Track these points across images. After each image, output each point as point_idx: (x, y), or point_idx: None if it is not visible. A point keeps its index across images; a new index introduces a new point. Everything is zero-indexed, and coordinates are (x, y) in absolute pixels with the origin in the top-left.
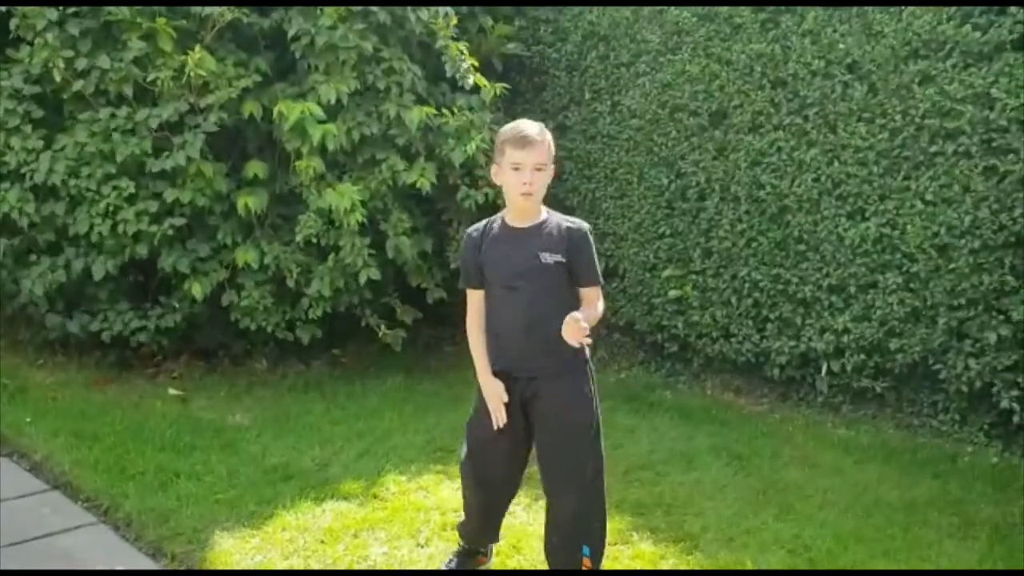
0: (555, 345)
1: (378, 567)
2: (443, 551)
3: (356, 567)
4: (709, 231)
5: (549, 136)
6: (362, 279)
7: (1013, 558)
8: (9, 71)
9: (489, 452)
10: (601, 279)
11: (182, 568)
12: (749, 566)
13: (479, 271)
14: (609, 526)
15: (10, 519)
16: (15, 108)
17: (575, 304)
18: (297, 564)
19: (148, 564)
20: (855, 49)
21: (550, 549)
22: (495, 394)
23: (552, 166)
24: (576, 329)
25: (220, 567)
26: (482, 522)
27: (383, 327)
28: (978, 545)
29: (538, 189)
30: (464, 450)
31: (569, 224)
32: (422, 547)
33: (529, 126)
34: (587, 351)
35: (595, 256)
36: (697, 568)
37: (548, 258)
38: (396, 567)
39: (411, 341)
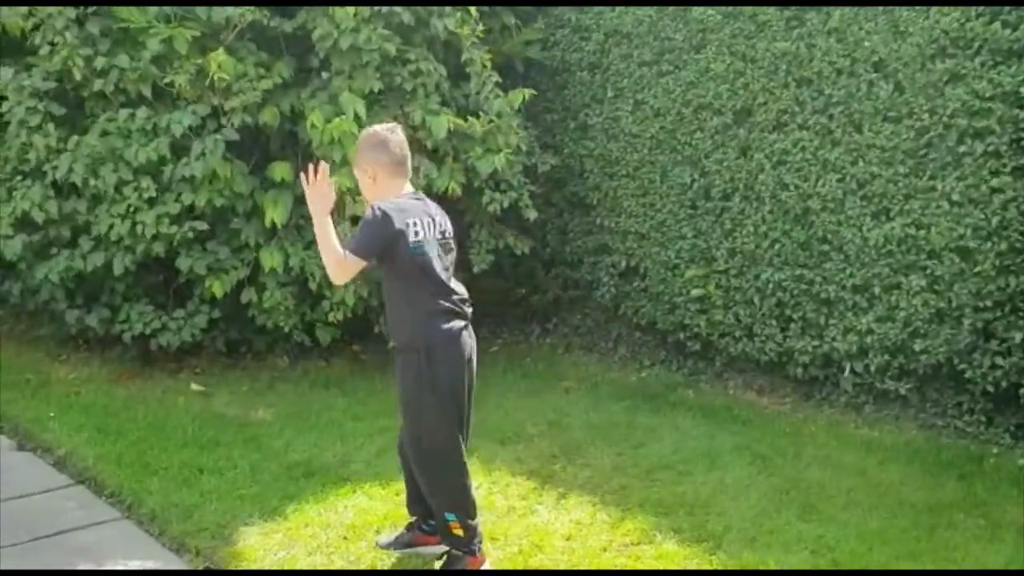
0: (395, 319)
1: (398, 564)
2: None
3: (379, 564)
4: (732, 231)
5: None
6: None
7: None
8: (30, 70)
9: None
10: (356, 249)
11: (202, 568)
12: (772, 566)
13: None
14: (631, 525)
15: (35, 514)
16: (36, 106)
17: (396, 278)
18: (320, 560)
19: (172, 559)
20: (881, 47)
21: None
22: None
23: (367, 169)
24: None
25: (244, 563)
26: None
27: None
28: (1005, 548)
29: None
30: None
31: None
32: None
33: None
34: (418, 335)
35: (365, 225)
36: (720, 568)
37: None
38: (415, 562)
39: None
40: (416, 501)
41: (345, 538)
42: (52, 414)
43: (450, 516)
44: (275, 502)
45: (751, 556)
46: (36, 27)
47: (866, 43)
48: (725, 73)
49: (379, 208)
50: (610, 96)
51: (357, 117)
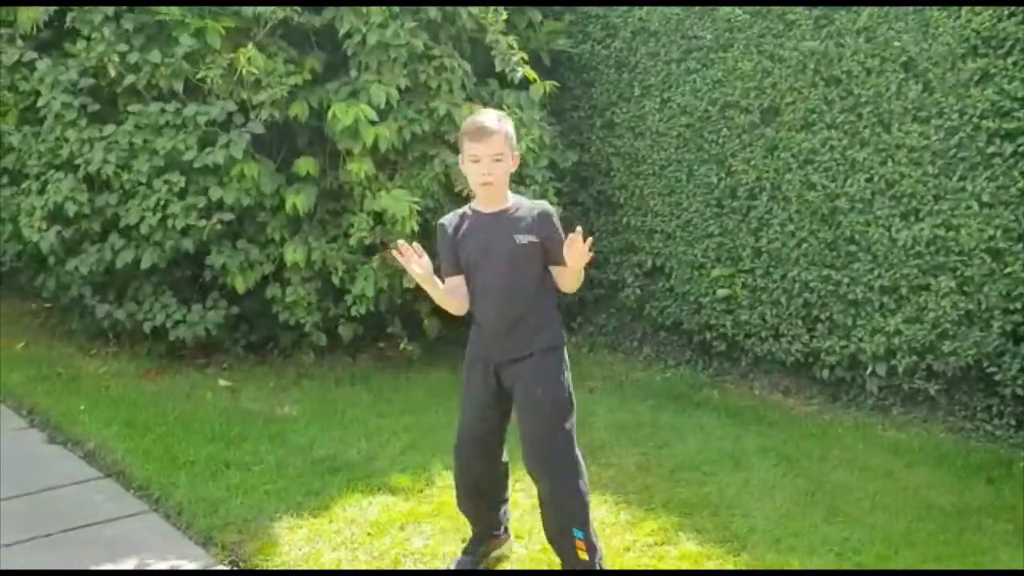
0: (533, 323)
1: (421, 560)
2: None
3: (402, 560)
4: (759, 230)
5: (508, 126)
6: (408, 283)
7: None
8: (66, 64)
9: (466, 412)
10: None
11: (227, 562)
12: (796, 568)
13: (455, 258)
14: (655, 525)
15: (64, 506)
16: (71, 102)
17: (549, 283)
18: (344, 556)
19: (199, 553)
20: (911, 47)
21: (547, 533)
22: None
23: (514, 154)
24: (579, 247)
25: (269, 557)
26: (467, 492)
27: (405, 338)
28: None
29: (498, 178)
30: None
31: (536, 206)
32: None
33: (486, 117)
34: (562, 333)
35: (563, 234)
36: (745, 569)
37: (522, 239)
38: (439, 560)
39: (455, 338)
40: (490, 509)
41: (369, 534)
42: (82, 408)
43: (579, 533)
44: (300, 497)
45: (775, 558)
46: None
47: (896, 43)
48: (752, 72)
49: (549, 206)
50: (637, 94)
51: (387, 106)
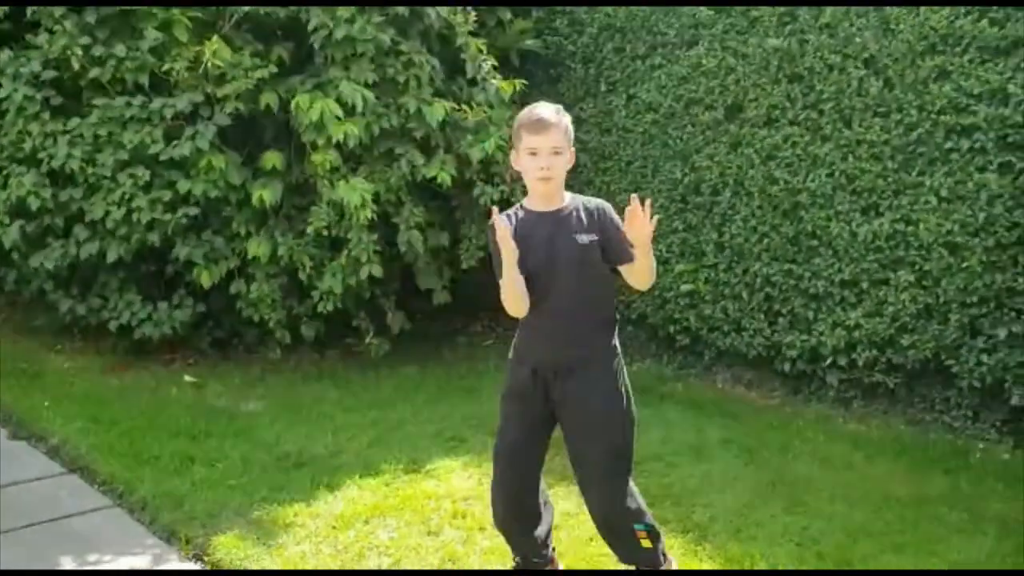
0: (593, 328)
1: (386, 552)
2: (453, 538)
3: (366, 553)
4: (722, 225)
5: (567, 119)
6: (362, 274)
7: (1021, 554)
8: (28, 56)
9: (512, 419)
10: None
11: (193, 560)
12: (757, 558)
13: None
14: None
15: (27, 501)
16: (34, 95)
17: (611, 286)
18: (308, 549)
19: (162, 547)
20: (872, 44)
21: (601, 533)
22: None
23: (571, 149)
24: (640, 217)
25: (232, 552)
26: (504, 505)
27: (371, 332)
28: (986, 541)
29: (557, 173)
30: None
31: (593, 204)
32: (433, 534)
33: (544, 109)
34: (617, 344)
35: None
36: (706, 559)
37: (583, 239)
38: (404, 552)
39: (423, 333)
40: (529, 528)
41: (334, 528)
42: (47, 403)
43: (640, 526)
44: (264, 492)
45: (736, 547)
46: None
47: (857, 39)
48: (716, 69)
49: (606, 204)
50: (603, 90)
51: (358, 105)
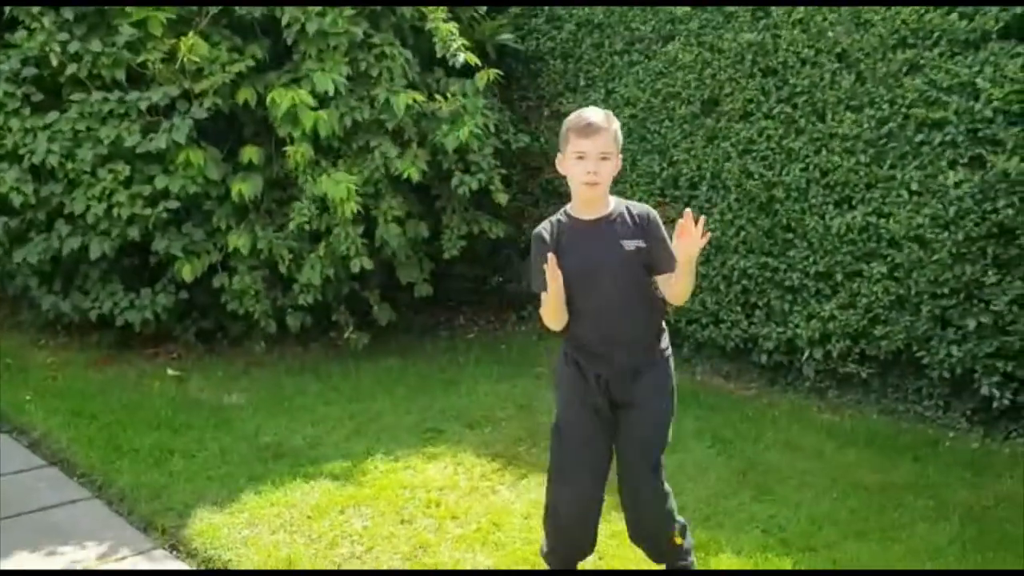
0: (642, 335)
1: (359, 540)
2: (425, 527)
3: (339, 540)
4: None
5: (616, 124)
6: (354, 268)
7: (982, 540)
8: (7, 54)
9: (573, 439)
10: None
11: (169, 550)
12: (723, 544)
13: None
14: None
15: (7, 493)
16: (14, 91)
17: (653, 291)
18: (283, 538)
19: (139, 537)
20: (844, 37)
21: (640, 545)
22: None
23: (619, 156)
24: (692, 232)
25: (208, 541)
26: (576, 517)
27: (351, 326)
28: (949, 527)
29: (603, 179)
30: (553, 444)
31: (638, 209)
32: (406, 523)
33: (594, 113)
34: (668, 345)
35: (669, 237)
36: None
37: (630, 245)
38: (376, 540)
39: (406, 326)
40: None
41: (309, 517)
42: (28, 398)
43: (675, 523)
44: (243, 483)
45: (703, 534)
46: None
47: (829, 33)
48: (693, 63)
49: (652, 210)
50: (582, 85)
51: (331, 95)
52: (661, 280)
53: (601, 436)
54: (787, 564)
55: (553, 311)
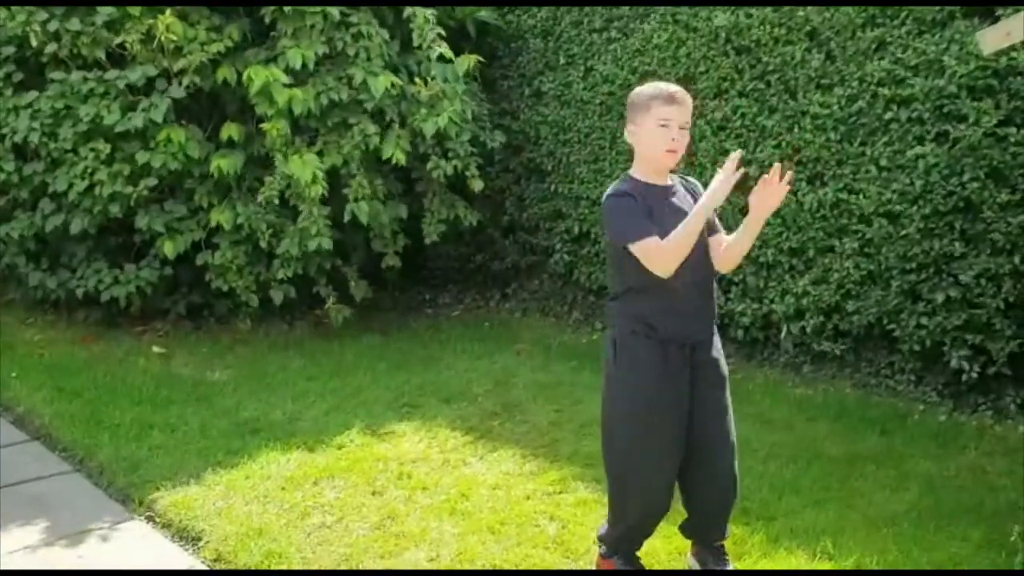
0: (713, 298)
1: (330, 511)
2: (396, 497)
3: (310, 511)
4: None
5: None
6: (311, 246)
7: (938, 508)
8: None
9: (660, 411)
10: None
11: (145, 520)
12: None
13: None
14: (556, 475)
15: None
16: None
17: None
18: (256, 509)
19: (117, 509)
20: (814, 16)
21: (708, 520)
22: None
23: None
24: (776, 186)
25: (183, 512)
26: (654, 497)
27: (332, 300)
28: (908, 496)
29: (684, 147)
30: (622, 430)
31: (688, 180)
32: (377, 494)
33: (674, 86)
34: None
35: None
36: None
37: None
38: (347, 511)
39: (391, 304)
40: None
41: (283, 488)
42: (14, 374)
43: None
44: (220, 456)
45: None
46: None
47: (800, 12)
48: (668, 42)
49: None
50: (562, 63)
51: (303, 70)
52: (713, 242)
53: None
54: (742, 532)
55: (688, 240)
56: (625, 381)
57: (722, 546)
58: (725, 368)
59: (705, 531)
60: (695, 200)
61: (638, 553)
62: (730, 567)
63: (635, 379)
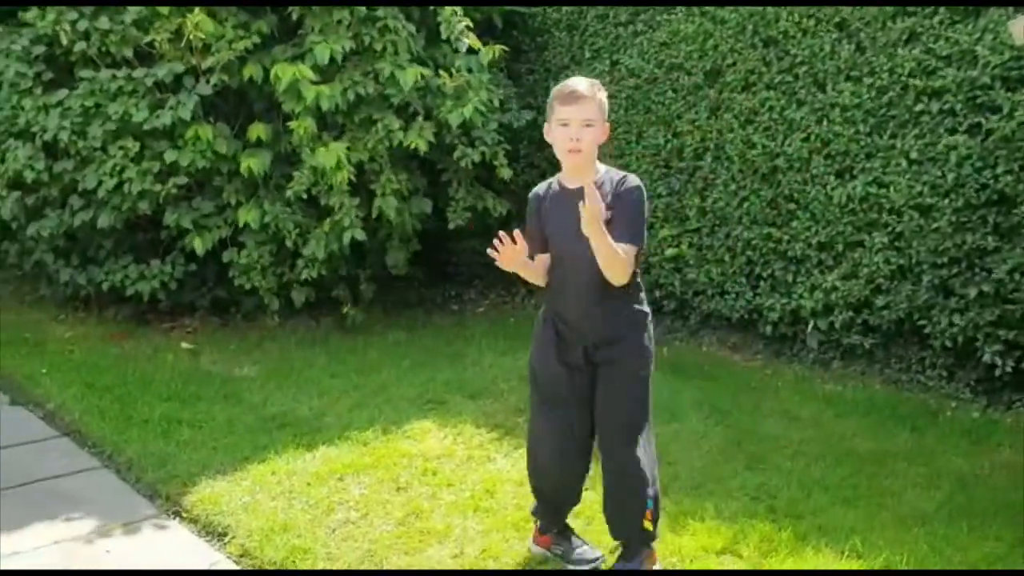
0: (616, 309)
1: (355, 507)
2: (420, 494)
3: (335, 507)
4: (704, 190)
5: (602, 94)
6: (345, 239)
7: (971, 507)
8: (19, 32)
9: (551, 375)
10: (639, 240)
11: (172, 516)
12: (710, 510)
13: (542, 235)
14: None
15: (19, 462)
16: (26, 71)
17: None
18: (282, 504)
19: (145, 504)
20: (843, 6)
21: (606, 514)
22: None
23: (604, 124)
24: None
25: (209, 507)
26: (557, 466)
27: (348, 303)
28: (939, 494)
29: (586, 145)
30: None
31: (620, 178)
32: (401, 490)
33: (579, 82)
34: (647, 307)
35: (639, 214)
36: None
37: (606, 214)
38: (372, 507)
39: (417, 300)
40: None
41: (309, 484)
42: (44, 371)
43: (650, 503)
44: (247, 452)
45: (690, 503)
46: None
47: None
48: (695, 34)
49: (634, 180)
50: (588, 57)
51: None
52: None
53: (582, 415)
54: (770, 529)
55: (526, 276)
56: (532, 353)
57: (627, 548)
58: (636, 368)
59: (608, 524)
60: (614, 200)
61: (659, 551)
62: (621, 568)
63: (534, 352)
